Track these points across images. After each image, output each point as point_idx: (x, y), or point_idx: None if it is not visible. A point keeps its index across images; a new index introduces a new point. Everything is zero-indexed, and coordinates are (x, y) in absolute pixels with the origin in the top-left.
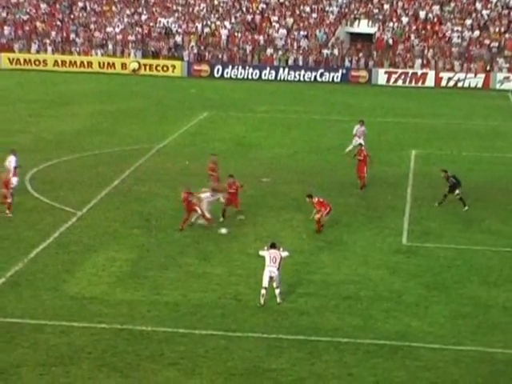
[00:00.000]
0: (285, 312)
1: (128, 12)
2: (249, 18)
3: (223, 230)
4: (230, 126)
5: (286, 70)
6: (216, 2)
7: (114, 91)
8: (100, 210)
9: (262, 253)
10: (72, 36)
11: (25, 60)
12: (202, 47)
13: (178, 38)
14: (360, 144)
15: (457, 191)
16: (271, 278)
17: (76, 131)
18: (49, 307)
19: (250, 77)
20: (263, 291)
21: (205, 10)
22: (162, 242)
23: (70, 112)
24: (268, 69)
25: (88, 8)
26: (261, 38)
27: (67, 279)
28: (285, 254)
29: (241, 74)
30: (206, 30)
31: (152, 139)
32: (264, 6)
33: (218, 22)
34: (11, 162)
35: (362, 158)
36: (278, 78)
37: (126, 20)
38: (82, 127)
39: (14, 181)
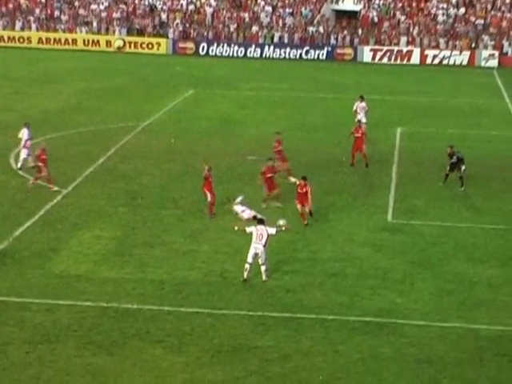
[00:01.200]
0: (270, 289)
1: None
2: None
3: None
4: (216, 104)
5: (272, 47)
6: None
7: (99, 69)
8: (85, 188)
9: (248, 229)
10: (56, 13)
11: (8, 37)
12: (187, 25)
13: (163, 16)
14: (359, 121)
15: (463, 167)
16: (256, 255)
17: (61, 109)
18: (34, 285)
19: (235, 54)
20: (247, 266)
21: None
22: (147, 220)
23: (55, 90)
24: (253, 46)
25: None
26: (246, 15)
27: (53, 257)
28: (272, 230)
29: (226, 51)
30: (191, 7)
31: (137, 117)
32: None
33: (203, 0)
34: (24, 134)
35: (359, 135)
36: (264, 56)
37: None
38: (66, 105)
39: (24, 153)
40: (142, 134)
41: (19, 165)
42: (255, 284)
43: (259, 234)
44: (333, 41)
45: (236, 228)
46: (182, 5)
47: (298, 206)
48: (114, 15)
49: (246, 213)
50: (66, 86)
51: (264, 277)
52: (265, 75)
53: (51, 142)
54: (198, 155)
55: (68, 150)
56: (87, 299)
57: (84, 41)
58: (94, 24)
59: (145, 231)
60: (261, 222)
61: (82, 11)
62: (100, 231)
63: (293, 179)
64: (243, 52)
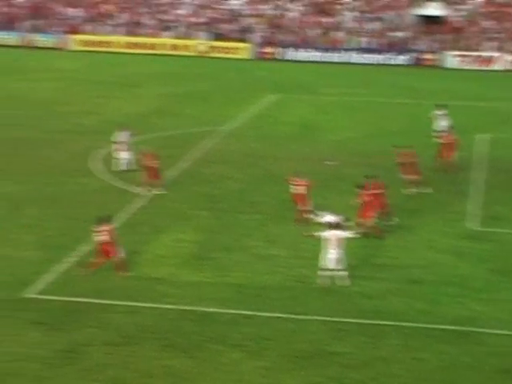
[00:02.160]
0: (349, 295)
1: None
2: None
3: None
4: (297, 109)
5: (355, 52)
6: None
7: (182, 73)
8: (167, 192)
9: (324, 234)
10: (141, 18)
11: (94, 42)
12: (271, 30)
13: (247, 21)
14: (444, 128)
15: None
16: (334, 260)
17: (142, 113)
18: (116, 287)
19: (317, 59)
20: (325, 272)
21: None
22: (227, 224)
23: (137, 94)
24: (336, 51)
25: None
26: (329, 20)
27: (135, 260)
28: (347, 234)
29: (308, 56)
30: (275, 12)
31: (219, 121)
32: None
33: (287, 5)
34: (122, 137)
35: (447, 141)
36: (346, 61)
37: (195, 2)
38: (148, 109)
39: (124, 155)
40: (224, 138)
41: (124, 167)
42: (334, 290)
43: (336, 238)
44: (416, 46)
45: (313, 234)
46: (265, 10)
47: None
48: (198, 20)
49: (327, 218)
50: (149, 90)
51: (342, 282)
52: (347, 80)
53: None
54: (278, 160)
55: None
56: (168, 302)
57: (168, 45)
58: (179, 29)
59: (225, 235)
60: (336, 226)
61: (166, 16)
62: (181, 235)
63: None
64: (326, 57)
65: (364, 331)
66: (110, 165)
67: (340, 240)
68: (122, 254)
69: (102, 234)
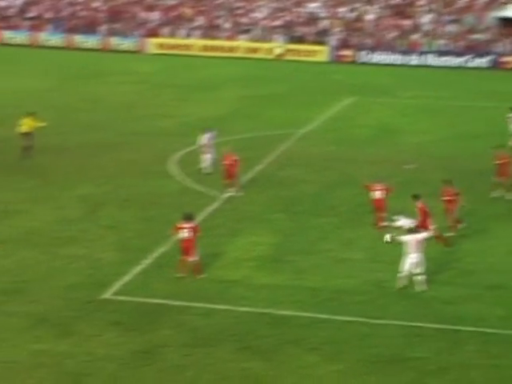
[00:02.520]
0: (427, 300)
1: None
2: (395, 2)
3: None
4: (375, 112)
5: (433, 55)
6: None
7: (259, 76)
8: (243, 194)
9: (403, 238)
10: (218, 21)
11: (172, 45)
12: (348, 33)
13: (324, 24)
14: None
15: None
16: (413, 264)
17: (219, 116)
18: (193, 289)
19: (395, 62)
20: (403, 274)
21: None
22: (303, 227)
23: (214, 97)
24: (414, 54)
25: None
26: (407, 22)
27: (211, 262)
28: (425, 234)
29: (386, 59)
30: (352, 15)
31: (296, 124)
32: None
33: (364, 7)
34: (205, 139)
35: None
36: (425, 64)
37: (272, 5)
38: (225, 112)
39: (207, 157)
40: (301, 141)
41: (207, 170)
42: (411, 294)
43: (414, 242)
44: (496, 49)
45: (388, 238)
46: (342, 12)
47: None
48: (275, 23)
49: (401, 222)
50: (226, 92)
51: (420, 287)
52: (425, 83)
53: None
54: (355, 163)
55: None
56: (244, 304)
57: (245, 48)
58: (255, 32)
59: (301, 238)
60: (415, 230)
61: (243, 19)
62: (257, 237)
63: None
64: (404, 60)
65: (442, 337)
66: (188, 167)
67: (420, 243)
68: (197, 256)
69: (185, 231)
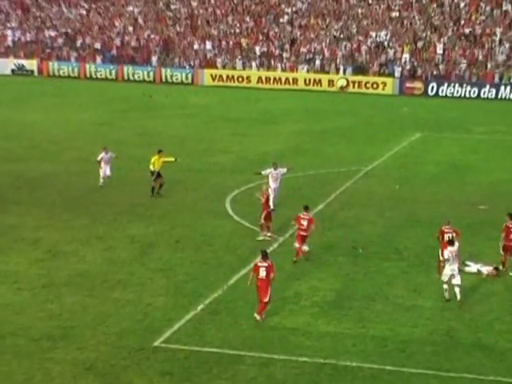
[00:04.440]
0: (503, 352)
1: (336, 26)
2: (467, 30)
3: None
4: (445, 148)
5: (509, 87)
6: (432, 15)
7: (320, 109)
8: (277, 237)
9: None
10: (277, 51)
11: (228, 76)
12: (415, 62)
13: (390, 54)
14: None
15: None
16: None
17: (279, 151)
18: (248, 337)
19: (467, 95)
20: None
21: (419, 22)
22: (368, 271)
23: (274, 131)
24: (488, 86)
25: (294, 22)
26: (479, 52)
27: (269, 308)
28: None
29: (457, 91)
30: (420, 44)
31: (360, 161)
32: (484, 17)
33: (433, 36)
34: (279, 173)
35: None
36: (499, 97)
37: (333, 34)
38: (285, 147)
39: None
40: (365, 179)
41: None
42: (485, 345)
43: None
44: None
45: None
46: (410, 42)
47: None
48: (337, 53)
49: (484, 268)
50: (285, 127)
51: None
52: (500, 117)
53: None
54: (423, 203)
55: (286, 195)
56: (303, 354)
57: (305, 80)
58: (317, 62)
59: (366, 283)
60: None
61: (302, 49)
62: (318, 282)
63: None
64: (476, 92)
65: None
66: (246, 206)
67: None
68: (266, 298)
69: (262, 270)
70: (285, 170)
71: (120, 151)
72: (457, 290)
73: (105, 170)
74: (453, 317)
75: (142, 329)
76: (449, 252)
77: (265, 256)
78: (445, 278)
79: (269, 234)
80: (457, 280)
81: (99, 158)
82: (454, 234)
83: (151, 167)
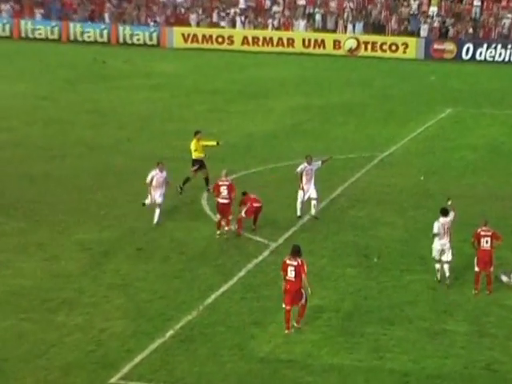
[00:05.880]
0: None
1: None
2: None
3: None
4: (483, 128)
5: None
6: None
7: (323, 79)
8: (301, 241)
9: None
10: (268, 3)
11: (204, 37)
12: (446, 19)
13: (413, 4)
14: None
15: None
16: None
17: (270, 133)
18: (231, 372)
19: (509, 59)
20: None
21: None
22: (385, 287)
23: (263, 107)
24: None
25: None
26: None
27: (256, 334)
28: None
29: (500, 55)
30: None
31: (373, 145)
32: None
33: None
34: (313, 168)
35: None
36: None
37: None
38: (278, 128)
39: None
40: (380, 168)
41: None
42: None
43: None
44: None
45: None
46: None
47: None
48: (346, 5)
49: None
50: (278, 101)
51: None
52: None
53: (254, 177)
54: (455, 198)
55: (279, 189)
56: None
57: (303, 40)
58: (317, 17)
59: (382, 302)
60: None
61: (301, 1)
62: (321, 300)
63: None
64: None
65: None
66: None
67: None
68: (302, 300)
69: (290, 270)
70: (319, 162)
71: (65, 133)
72: (445, 267)
73: (154, 195)
74: (494, 345)
75: (94, 362)
76: (440, 224)
77: (295, 252)
78: (436, 254)
79: (227, 229)
80: (447, 256)
81: (149, 179)
82: (493, 239)
83: (193, 155)
